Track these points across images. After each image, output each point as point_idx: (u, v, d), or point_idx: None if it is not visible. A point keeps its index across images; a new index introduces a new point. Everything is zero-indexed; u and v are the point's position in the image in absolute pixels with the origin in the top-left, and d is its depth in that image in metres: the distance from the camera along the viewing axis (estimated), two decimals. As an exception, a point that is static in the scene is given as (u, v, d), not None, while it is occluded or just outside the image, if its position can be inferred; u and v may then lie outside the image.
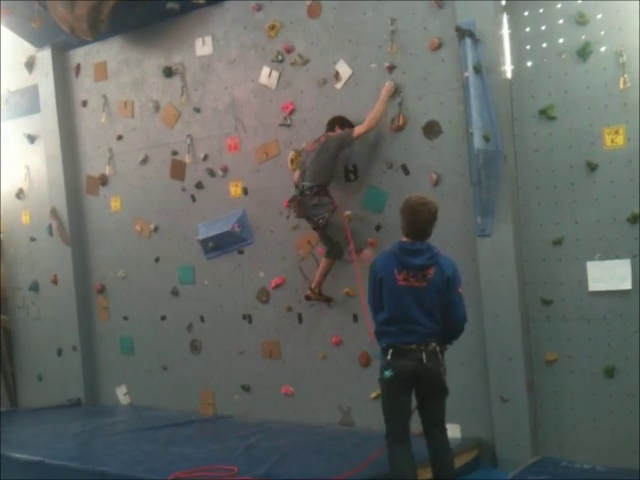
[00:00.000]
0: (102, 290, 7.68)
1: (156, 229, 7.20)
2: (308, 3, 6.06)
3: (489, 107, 5.10)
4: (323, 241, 5.84)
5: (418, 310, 4.11)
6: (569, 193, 5.12)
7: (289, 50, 6.19)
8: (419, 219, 4.14)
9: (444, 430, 4.30)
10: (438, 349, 4.14)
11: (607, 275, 4.95)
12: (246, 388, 6.61)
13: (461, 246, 5.36)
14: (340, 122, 5.74)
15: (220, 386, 6.79)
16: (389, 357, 4.13)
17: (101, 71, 7.55)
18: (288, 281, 6.31)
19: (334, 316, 6.05)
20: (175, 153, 6.99)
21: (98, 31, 6.96)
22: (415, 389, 4.20)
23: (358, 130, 5.53)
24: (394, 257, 4.20)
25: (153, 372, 7.27)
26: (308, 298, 5.96)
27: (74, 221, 7.74)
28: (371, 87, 5.70)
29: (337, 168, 5.75)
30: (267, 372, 6.47)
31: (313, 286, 5.90)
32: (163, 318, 7.18)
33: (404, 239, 4.24)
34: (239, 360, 6.64)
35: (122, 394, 7.55)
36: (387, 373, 4.12)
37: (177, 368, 7.10)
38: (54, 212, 7.76)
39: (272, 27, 6.26)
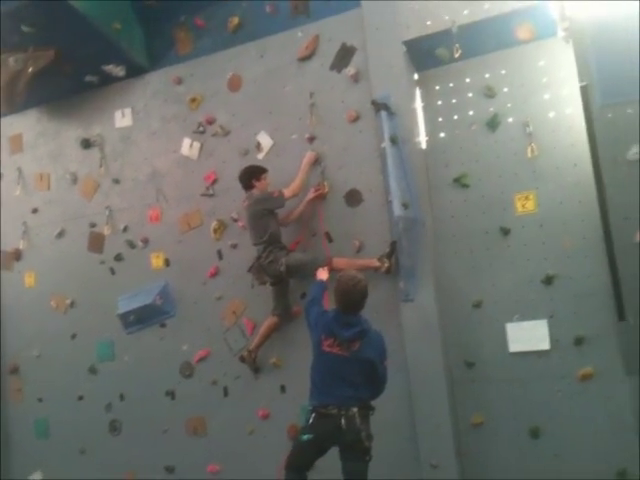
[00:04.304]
0: (15, 370, 7.26)
1: (72, 304, 6.91)
2: (228, 77, 6.18)
3: (406, 176, 5.26)
4: (277, 298, 5.63)
5: (338, 378, 4.25)
6: (485, 257, 5.29)
7: (210, 121, 6.25)
8: (350, 299, 4.30)
9: None
10: (358, 414, 4.21)
11: (526, 336, 5.09)
12: (170, 469, 6.30)
13: (386, 311, 5.38)
14: (252, 175, 5.60)
15: (142, 468, 6.43)
16: (311, 420, 4.27)
17: (17, 143, 7.37)
18: (213, 353, 6.16)
19: (261, 388, 5.92)
20: (93, 225, 6.82)
21: (14, 104, 6.81)
22: (337, 445, 4.28)
23: (287, 193, 5.44)
24: (326, 324, 4.31)
25: (70, 456, 6.83)
26: (242, 359, 5.83)
27: (-14, 299, 7.37)
28: (293, 157, 5.78)
29: (276, 222, 5.49)
30: (192, 451, 6.20)
31: (252, 348, 5.78)
32: (80, 398, 6.82)
33: (339, 310, 4.33)
34: (162, 439, 6.35)
35: (37, 481, 7.08)
36: (305, 437, 4.26)
37: (96, 451, 6.71)
38: (-36, 289, 7.38)
39: (193, 100, 6.33)
